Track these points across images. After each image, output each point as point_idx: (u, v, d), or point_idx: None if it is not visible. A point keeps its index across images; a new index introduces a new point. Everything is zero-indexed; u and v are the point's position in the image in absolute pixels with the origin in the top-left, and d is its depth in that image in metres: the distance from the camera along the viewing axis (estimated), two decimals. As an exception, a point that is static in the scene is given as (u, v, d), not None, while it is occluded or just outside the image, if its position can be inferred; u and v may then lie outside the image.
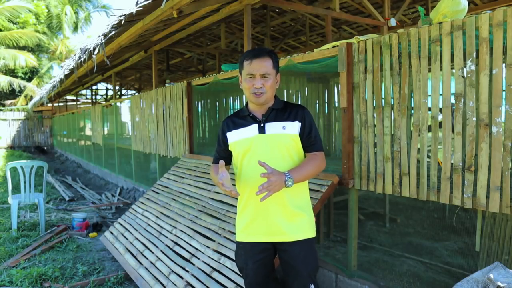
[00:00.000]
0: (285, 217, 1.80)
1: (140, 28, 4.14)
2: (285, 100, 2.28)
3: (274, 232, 1.81)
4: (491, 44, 2.04)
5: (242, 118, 1.88)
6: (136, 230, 3.89)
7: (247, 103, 1.92)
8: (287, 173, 1.67)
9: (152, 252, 3.36)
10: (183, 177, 4.33)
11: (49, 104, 16.86)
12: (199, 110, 5.64)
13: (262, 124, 1.81)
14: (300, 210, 1.82)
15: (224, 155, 1.93)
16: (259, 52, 1.78)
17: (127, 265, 3.41)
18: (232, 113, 2.13)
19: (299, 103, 4.95)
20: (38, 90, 16.22)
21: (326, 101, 5.07)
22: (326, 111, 5.07)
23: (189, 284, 2.75)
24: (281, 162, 1.78)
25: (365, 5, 5.34)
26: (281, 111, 1.84)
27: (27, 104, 19.50)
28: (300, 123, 1.82)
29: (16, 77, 20.74)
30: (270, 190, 1.60)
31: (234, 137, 1.86)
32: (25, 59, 18.89)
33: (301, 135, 1.82)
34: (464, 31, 2.14)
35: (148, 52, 6.71)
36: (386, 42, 2.54)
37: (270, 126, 1.81)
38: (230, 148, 1.90)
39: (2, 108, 19.78)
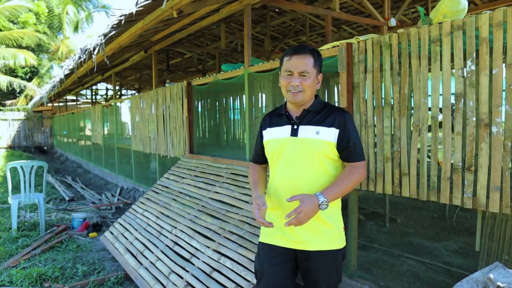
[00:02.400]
0: (310, 226, 1.67)
1: (140, 28, 4.14)
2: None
3: (297, 239, 1.69)
4: (491, 44, 2.04)
5: (278, 117, 1.78)
6: (136, 230, 3.89)
7: (286, 101, 1.81)
8: (320, 195, 1.54)
9: (152, 252, 3.36)
10: (183, 177, 4.33)
11: (49, 104, 16.85)
12: (199, 110, 5.65)
13: (295, 126, 1.69)
14: (328, 220, 1.69)
15: (261, 153, 1.86)
16: (300, 48, 1.67)
17: (127, 265, 3.41)
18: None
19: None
20: (38, 90, 16.22)
21: (326, 101, 5.08)
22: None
23: (189, 284, 2.75)
24: (312, 172, 1.66)
25: (365, 5, 5.33)
26: (318, 114, 1.70)
27: (27, 104, 19.51)
28: (338, 130, 1.65)
29: (16, 77, 20.74)
30: (302, 221, 1.50)
31: (268, 136, 1.78)
32: (25, 58, 18.87)
33: (339, 143, 1.66)
34: (464, 31, 2.14)
35: (148, 52, 6.71)
36: (386, 42, 2.54)
37: (304, 130, 1.68)
38: (264, 146, 1.82)
39: (2, 108, 19.78)
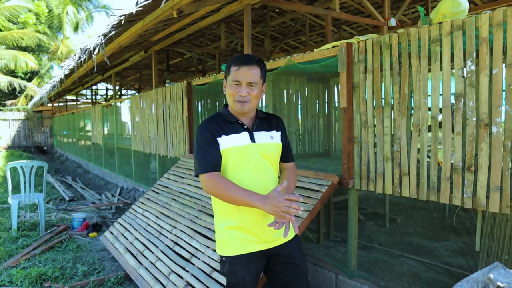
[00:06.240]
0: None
1: (140, 28, 4.14)
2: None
3: (272, 238, 1.76)
4: (491, 44, 2.04)
5: (229, 124, 1.76)
6: (136, 230, 3.89)
7: (225, 106, 1.82)
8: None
9: (152, 252, 3.36)
10: (183, 177, 4.33)
11: (49, 104, 16.85)
12: (199, 110, 5.65)
13: (252, 133, 1.76)
14: None
15: (219, 160, 1.72)
16: (248, 59, 1.71)
17: (127, 265, 3.41)
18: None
19: (299, 103, 4.96)
20: (38, 90, 16.22)
21: (326, 101, 5.07)
22: (326, 111, 5.07)
23: (189, 284, 2.75)
24: (268, 173, 1.78)
25: (365, 5, 5.33)
26: (265, 120, 1.84)
27: (27, 104, 19.51)
28: (280, 132, 1.85)
29: (17, 77, 20.73)
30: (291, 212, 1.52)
31: (226, 143, 1.72)
32: (25, 61, 18.86)
33: (283, 144, 1.86)
34: (464, 31, 2.14)
35: (148, 52, 6.71)
36: (386, 42, 2.54)
37: (259, 135, 1.77)
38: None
39: (2, 108, 19.77)
